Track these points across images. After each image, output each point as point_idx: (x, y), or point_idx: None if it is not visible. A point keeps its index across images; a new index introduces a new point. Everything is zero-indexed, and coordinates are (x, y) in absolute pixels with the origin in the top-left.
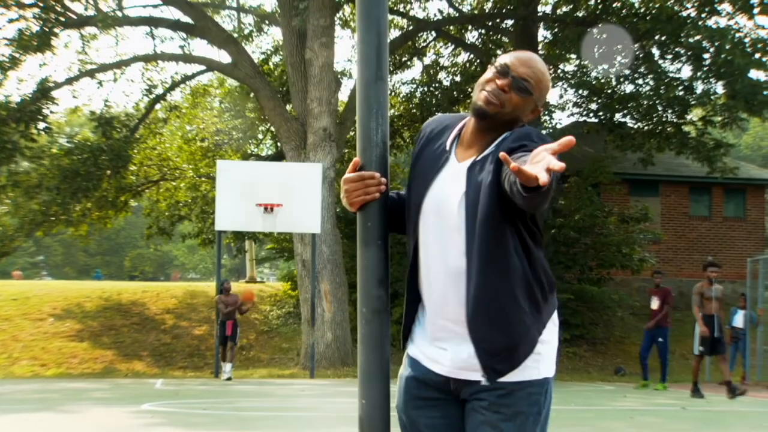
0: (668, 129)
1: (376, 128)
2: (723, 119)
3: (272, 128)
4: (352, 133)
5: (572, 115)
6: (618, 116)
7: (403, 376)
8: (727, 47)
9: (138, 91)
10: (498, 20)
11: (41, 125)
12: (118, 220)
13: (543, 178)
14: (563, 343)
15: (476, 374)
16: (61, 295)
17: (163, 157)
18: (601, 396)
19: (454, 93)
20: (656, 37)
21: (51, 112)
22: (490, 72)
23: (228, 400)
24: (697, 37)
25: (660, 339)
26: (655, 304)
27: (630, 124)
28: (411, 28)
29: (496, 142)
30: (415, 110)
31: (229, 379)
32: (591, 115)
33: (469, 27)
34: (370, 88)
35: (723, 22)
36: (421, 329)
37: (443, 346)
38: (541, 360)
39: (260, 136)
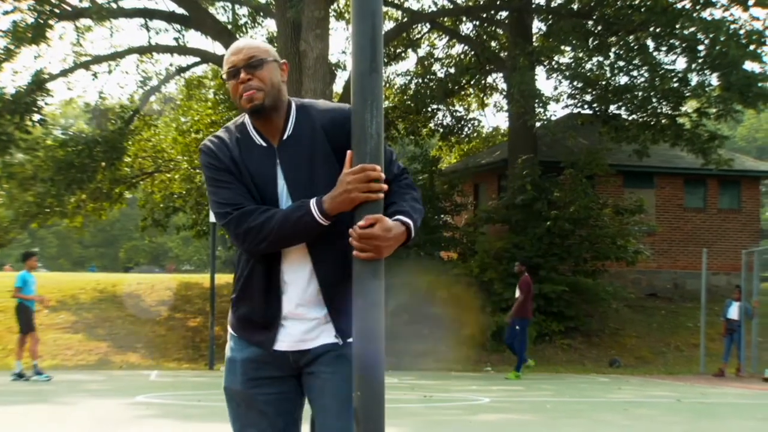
0: (663, 121)
1: (371, 120)
2: (718, 111)
3: None
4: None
5: (567, 106)
6: (612, 108)
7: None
8: (722, 39)
9: (133, 82)
10: (492, 12)
11: (36, 117)
12: (112, 211)
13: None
14: (558, 335)
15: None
16: (55, 287)
17: (158, 149)
18: (595, 388)
19: (449, 84)
20: (651, 29)
21: (46, 103)
22: (230, 85)
23: (222, 392)
24: (692, 29)
25: (516, 327)
26: (518, 293)
27: (624, 116)
28: (405, 19)
29: (292, 118)
30: (409, 102)
31: None
32: (585, 106)
33: (464, 19)
34: (365, 80)
35: (718, 13)
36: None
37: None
38: None
39: None
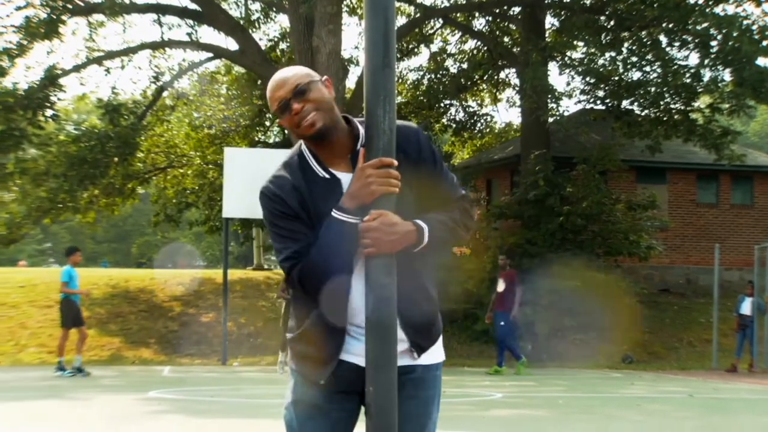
0: (675, 116)
1: (384, 116)
2: (730, 107)
3: None
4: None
5: (579, 102)
6: (625, 103)
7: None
8: (735, 35)
9: (145, 78)
10: (505, 7)
11: (49, 112)
12: (125, 207)
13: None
14: (570, 331)
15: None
16: None
17: (171, 145)
18: (608, 383)
19: (462, 80)
20: (663, 25)
21: (58, 99)
22: (285, 120)
23: (235, 388)
24: (705, 25)
25: (501, 323)
26: (501, 286)
27: (637, 112)
28: (418, 15)
29: (361, 134)
30: (422, 97)
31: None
32: (598, 102)
33: (477, 14)
34: (378, 76)
35: (731, 9)
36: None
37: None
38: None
39: (267, 124)
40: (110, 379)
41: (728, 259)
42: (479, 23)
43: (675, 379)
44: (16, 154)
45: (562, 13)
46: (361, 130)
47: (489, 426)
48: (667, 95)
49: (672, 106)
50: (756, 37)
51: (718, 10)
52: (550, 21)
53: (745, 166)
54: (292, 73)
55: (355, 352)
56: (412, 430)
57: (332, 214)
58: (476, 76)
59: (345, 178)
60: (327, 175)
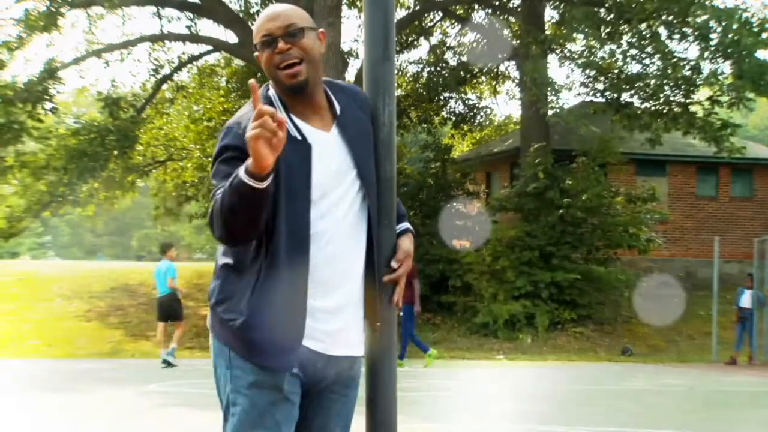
0: (675, 109)
1: (383, 108)
2: (730, 99)
3: None
4: None
5: (579, 95)
6: (625, 96)
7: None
8: (735, 27)
9: (145, 71)
10: (504, 0)
11: (48, 105)
12: (125, 200)
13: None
14: (570, 323)
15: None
16: (68, 275)
17: (170, 137)
18: (608, 376)
19: (461, 73)
20: (663, 17)
21: (58, 92)
22: (264, 55)
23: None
24: (705, 17)
25: (404, 316)
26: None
27: (637, 104)
28: (418, 7)
29: (331, 95)
30: (422, 90)
31: None
32: (598, 94)
33: (476, 6)
34: (377, 68)
35: (730, 1)
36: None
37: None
38: None
39: None
40: (110, 372)
41: (728, 252)
42: (479, 16)
43: (675, 372)
44: (16, 147)
45: (562, 5)
46: (331, 94)
47: (489, 419)
48: (666, 88)
49: (672, 98)
50: (755, 29)
51: (718, 2)
52: (550, 13)
53: (745, 159)
54: (291, 9)
55: (315, 336)
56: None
57: (240, 174)
58: (476, 69)
59: (316, 135)
60: (299, 136)
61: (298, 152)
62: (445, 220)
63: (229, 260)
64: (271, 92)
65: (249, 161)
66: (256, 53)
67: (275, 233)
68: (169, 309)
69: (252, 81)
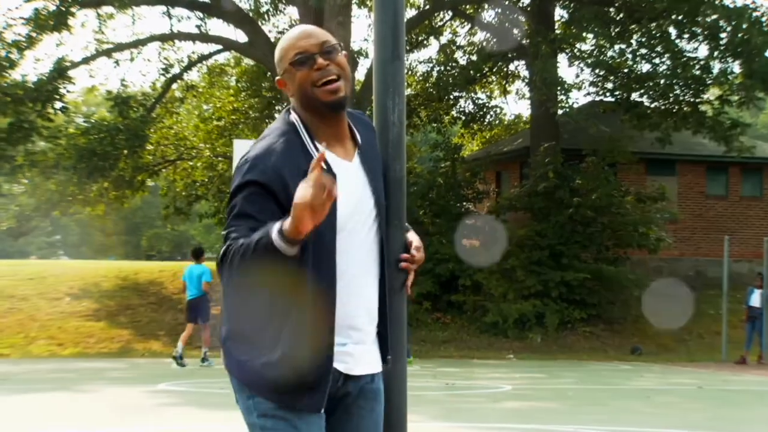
0: (685, 108)
1: (393, 107)
2: (740, 98)
3: None
4: (368, 113)
5: (588, 94)
6: (634, 95)
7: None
8: (744, 26)
9: (155, 70)
10: None
11: (58, 105)
12: (134, 199)
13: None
14: (579, 323)
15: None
16: (77, 274)
17: (180, 137)
18: (617, 375)
19: (471, 72)
20: (673, 16)
21: (68, 91)
22: (300, 74)
23: None
24: (714, 16)
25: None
26: None
27: (646, 104)
28: (427, 7)
29: (354, 127)
30: (431, 89)
31: None
32: (607, 94)
33: (485, 6)
34: (387, 68)
35: (740, 1)
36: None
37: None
38: None
39: (276, 116)
40: (120, 371)
41: (738, 251)
42: (488, 15)
43: (684, 371)
44: (26, 146)
45: (572, 4)
46: (352, 123)
47: (499, 418)
48: (676, 87)
49: (681, 98)
50: (765, 28)
51: (728, 1)
52: (560, 13)
53: (755, 158)
54: (318, 29)
55: (338, 359)
56: None
57: (271, 229)
58: (485, 68)
59: (341, 165)
60: (324, 167)
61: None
62: (455, 219)
63: (243, 297)
64: (293, 117)
65: (286, 223)
66: (280, 77)
67: (302, 268)
68: (199, 310)
69: (322, 152)
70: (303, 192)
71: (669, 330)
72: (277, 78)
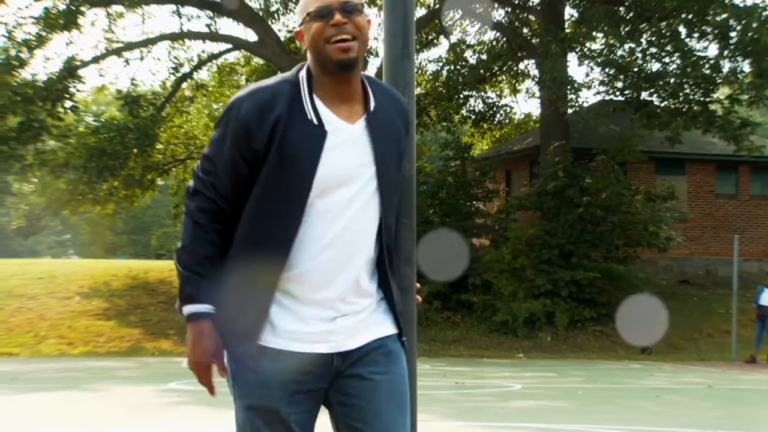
0: (695, 107)
1: None
2: (750, 98)
3: None
4: None
5: (598, 93)
6: (644, 95)
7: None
8: (754, 25)
9: (164, 69)
10: None
11: (68, 104)
12: (144, 198)
13: None
14: (590, 322)
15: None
16: (87, 273)
17: (190, 136)
18: (627, 374)
19: (481, 71)
20: (683, 16)
21: (77, 90)
22: (315, 27)
23: None
24: (724, 16)
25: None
26: None
27: (656, 103)
28: (437, 6)
29: (368, 88)
30: (441, 88)
31: None
32: (617, 93)
33: (496, 5)
34: (397, 66)
35: (750, 0)
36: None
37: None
38: None
39: None
40: (130, 370)
41: (747, 250)
42: (498, 14)
43: (694, 370)
44: (36, 145)
45: (582, 3)
46: (367, 84)
47: (509, 417)
48: (686, 86)
49: (691, 97)
50: None
51: (738, 0)
52: (570, 12)
53: (765, 157)
54: None
55: (317, 340)
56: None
57: (181, 302)
58: (495, 67)
59: (338, 125)
60: (315, 121)
61: (310, 137)
62: (465, 219)
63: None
64: (302, 74)
65: (189, 324)
66: (298, 27)
67: (250, 228)
68: None
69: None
70: (192, 357)
71: (679, 329)
72: (296, 29)
